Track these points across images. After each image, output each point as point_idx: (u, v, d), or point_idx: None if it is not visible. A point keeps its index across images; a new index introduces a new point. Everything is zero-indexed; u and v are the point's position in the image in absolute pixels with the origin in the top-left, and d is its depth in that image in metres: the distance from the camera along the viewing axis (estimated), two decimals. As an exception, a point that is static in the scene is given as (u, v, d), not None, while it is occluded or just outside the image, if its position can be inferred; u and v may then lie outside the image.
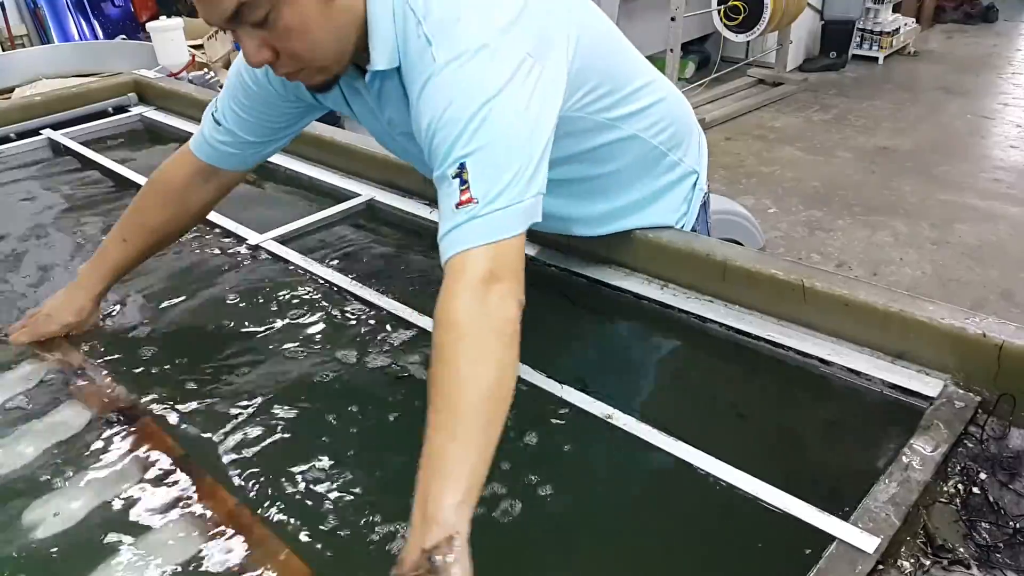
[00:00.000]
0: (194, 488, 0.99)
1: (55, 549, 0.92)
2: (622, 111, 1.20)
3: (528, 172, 0.93)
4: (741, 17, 5.38)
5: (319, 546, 0.92)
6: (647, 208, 1.35)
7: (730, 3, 5.34)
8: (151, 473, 1.02)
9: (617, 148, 1.24)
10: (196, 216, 1.36)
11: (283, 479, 1.01)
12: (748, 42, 5.96)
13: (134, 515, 0.96)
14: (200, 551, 0.91)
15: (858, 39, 6.65)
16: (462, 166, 0.91)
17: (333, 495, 0.99)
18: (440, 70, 0.93)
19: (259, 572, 0.88)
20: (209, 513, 0.96)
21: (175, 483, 1.00)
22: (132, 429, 1.10)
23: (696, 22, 5.60)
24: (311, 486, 1.00)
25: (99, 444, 1.08)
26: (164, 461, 1.04)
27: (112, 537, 0.93)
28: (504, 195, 0.91)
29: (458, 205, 0.92)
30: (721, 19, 5.52)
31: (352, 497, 0.98)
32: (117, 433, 1.09)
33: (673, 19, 5.01)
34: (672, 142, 1.32)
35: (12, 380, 1.21)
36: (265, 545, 0.91)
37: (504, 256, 0.92)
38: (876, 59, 6.64)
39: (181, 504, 0.97)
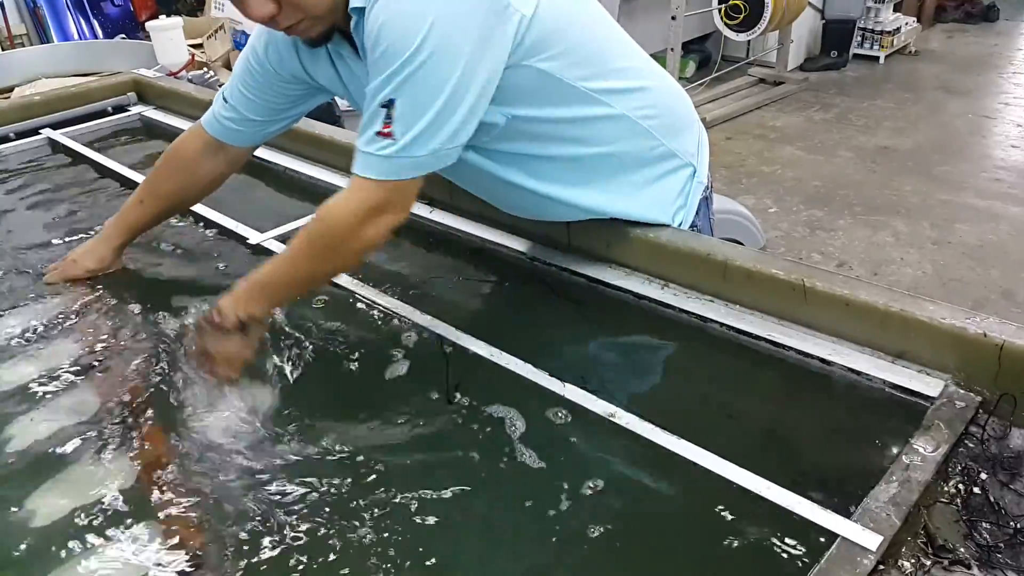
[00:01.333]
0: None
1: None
2: (604, 84, 1.22)
3: (451, 124, 1.04)
4: (742, 16, 5.37)
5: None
6: (640, 194, 1.34)
7: (731, 2, 5.34)
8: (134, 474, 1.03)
9: (606, 127, 1.25)
10: (205, 187, 1.49)
11: (283, 475, 1.01)
12: (749, 41, 5.96)
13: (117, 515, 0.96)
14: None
15: (859, 38, 6.64)
16: (392, 100, 1.03)
17: (323, 489, 0.99)
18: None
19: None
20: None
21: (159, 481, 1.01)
22: (134, 427, 1.11)
23: (697, 21, 5.59)
24: (306, 478, 1.00)
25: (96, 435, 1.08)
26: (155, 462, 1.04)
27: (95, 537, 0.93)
28: (418, 142, 1.05)
29: (378, 134, 1.05)
30: (722, 18, 5.51)
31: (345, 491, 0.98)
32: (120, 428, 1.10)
33: (674, 18, 5.01)
34: (665, 130, 1.32)
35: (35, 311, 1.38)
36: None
37: (401, 192, 1.09)
38: (877, 58, 6.63)
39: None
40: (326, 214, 1.11)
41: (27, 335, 1.32)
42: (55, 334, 1.33)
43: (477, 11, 1.03)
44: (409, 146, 1.04)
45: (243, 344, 1.15)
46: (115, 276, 1.49)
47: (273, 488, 1.00)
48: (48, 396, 1.18)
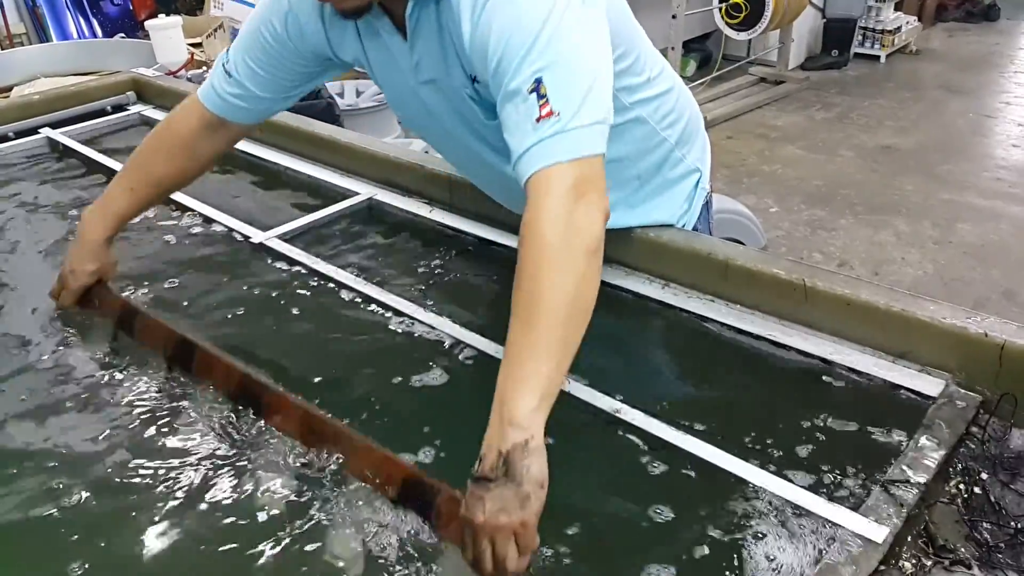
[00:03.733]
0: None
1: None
2: (638, 96, 1.20)
3: (602, 91, 0.94)
4: (743, 15, 5.37)
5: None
6: (649, 203, 1.34)
7: (732, 1, 5.33)
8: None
9: (625, 131, 1.22)
10: (203, 167, 1.38)
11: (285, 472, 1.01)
12: (750, 40, 5.95)
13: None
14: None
15: (860, 37, 6.63)
16: (539, 80, 0.91)
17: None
18: None
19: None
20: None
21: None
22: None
23: (697, 20, 5.59)
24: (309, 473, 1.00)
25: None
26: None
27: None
28: (584, 111, 0.91)
29: (539, 119, 0.91)
30: (723, 17, 5.51)
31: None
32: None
33: (674, 17, 5.00)
34: (679, 137, 1.32)
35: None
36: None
37: (589, 170, 0.92)
38: (878, 57, 6.63)
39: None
40: (529, 231, 0.89)
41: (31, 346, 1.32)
42: (59, 348, 1.32)
43: None
44: (578, 114, 0.91)
45: (517, 493, 0.79)
46: (116, 278, 1.49)
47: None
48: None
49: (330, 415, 0.99)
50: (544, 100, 0.91)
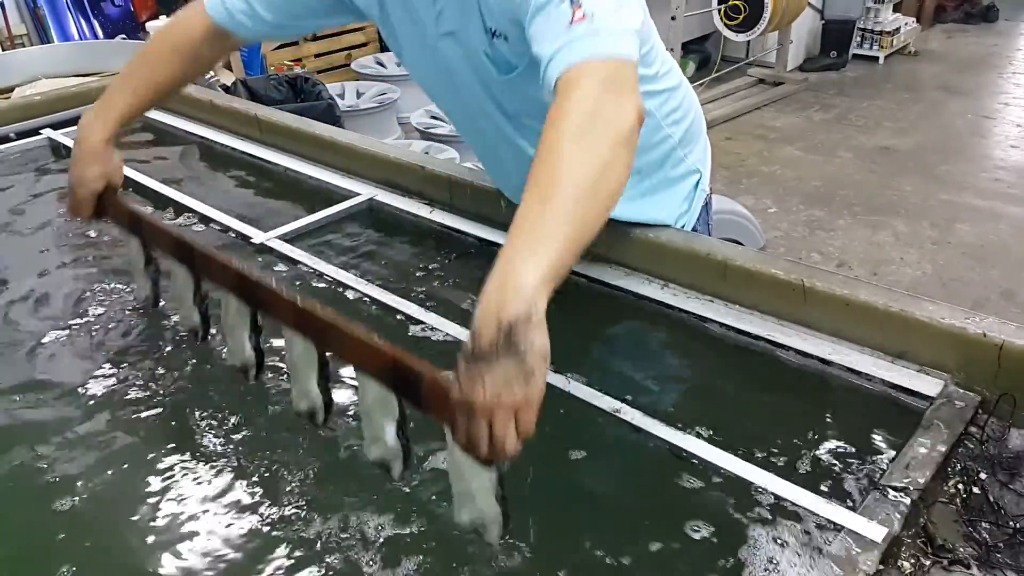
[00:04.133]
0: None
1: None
2: (647, 87, 1.19)
3: (635, 4, 0.92)
4: (741, 17, 5.38)
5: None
6: (647, 198, 1.35)
7: (730, 2, 5.34)
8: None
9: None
10: (202, 72, 1.43)
11: (287, 468, 1.01)
12: (748, 42, 5.96)
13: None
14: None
15: (858, 39, 6.64)
16: None
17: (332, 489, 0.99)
18: None
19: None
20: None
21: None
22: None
23: (696, 21, 5.60)
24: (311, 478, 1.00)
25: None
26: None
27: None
28: (618, 16, 0.89)
29: (571, 23, 0.88)
30: (721, 18, 5.52)
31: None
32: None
33: (673, 18, 5.01)
34: (682, 136, 1.33)
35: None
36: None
37: (624, 71, 0.87)
38: (877, 59, 6.64)
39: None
40: (553, 114, 0.83)
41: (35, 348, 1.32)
42: (63, 347, 1.32)
43: None
44: (612, 16, 0.88)
45: (520, 368, 0.71)
46: (115, 277, 1.49)
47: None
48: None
49: (319, 306, 0.97)
50: (577, 5, 0.88)
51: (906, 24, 6.82)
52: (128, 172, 1.92)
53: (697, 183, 1.41)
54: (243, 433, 1.10)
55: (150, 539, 0.94)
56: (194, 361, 1.25)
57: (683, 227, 1.40)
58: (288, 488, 1.00)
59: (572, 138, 0.80)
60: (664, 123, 1.27)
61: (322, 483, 1.01)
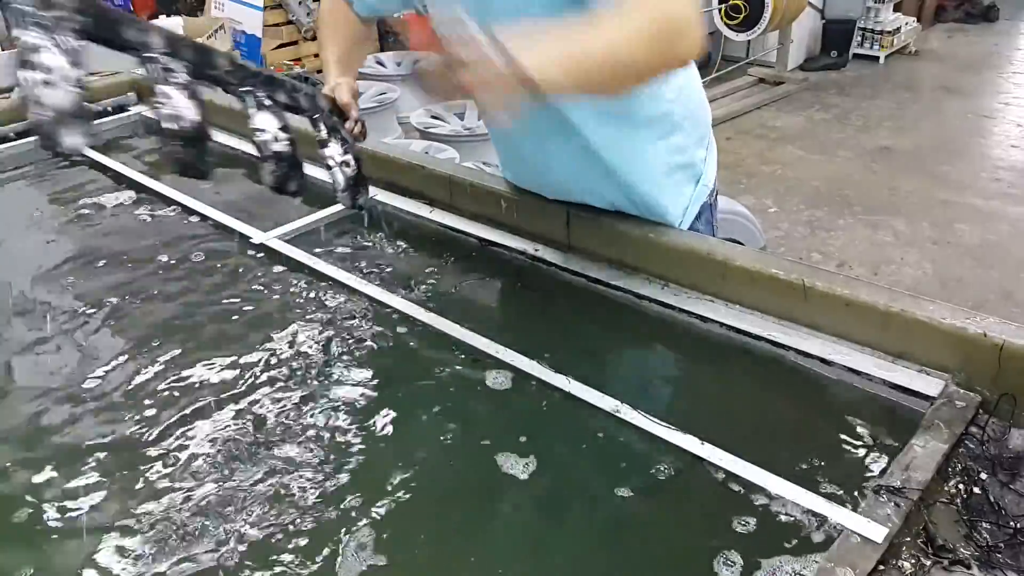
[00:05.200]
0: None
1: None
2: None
3: None
4: (742, 16, 5.38)
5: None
6: (647, 185, 1.35)
7: (731, 2, 5.34)
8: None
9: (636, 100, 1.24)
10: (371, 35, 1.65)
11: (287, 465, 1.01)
12: (749, 41, 5.96)
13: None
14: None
15: (859, 38, 6.64)
16: None
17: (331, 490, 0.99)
18: None
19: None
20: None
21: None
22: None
23: (697, 21, 5.59)
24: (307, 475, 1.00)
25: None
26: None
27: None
28: None
29: None
30: (722, 18, 5.52)
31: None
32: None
33: (674, 18, 5.00)
34: (684, 121, 1.34)
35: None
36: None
37: (698, 24, 0.97)
38: (877, 58, 6.64)
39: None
40: (662, 4, 0.95)
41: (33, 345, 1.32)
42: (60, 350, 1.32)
43: None
44: None
45: (511, 98, 0.91)
46: (115, 276, 1.50)
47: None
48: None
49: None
50: None
51: (906, 24, 6.82)
52: (128, 171, 1.93)
53: (698, 179, 1.41)
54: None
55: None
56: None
57: (681, 224, 1.40)
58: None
59: (620, 14, 0.94)
60: (676, 115, 1.30)
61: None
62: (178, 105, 0.94)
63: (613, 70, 0.95)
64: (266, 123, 1.16)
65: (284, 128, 1.17)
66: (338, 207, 1.70)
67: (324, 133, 1.33)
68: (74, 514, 0.97)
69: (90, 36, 0.87)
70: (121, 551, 0.92)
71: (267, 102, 1.16)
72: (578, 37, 0.94)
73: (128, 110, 2.39)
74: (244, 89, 1.14)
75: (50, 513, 0.98)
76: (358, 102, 1.38)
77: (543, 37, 0.93)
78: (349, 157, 1.35)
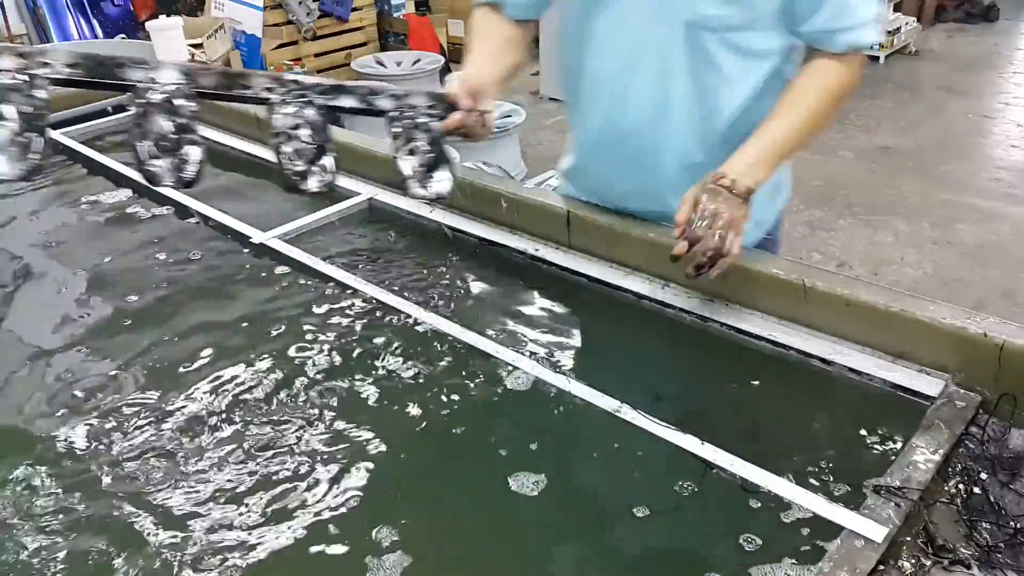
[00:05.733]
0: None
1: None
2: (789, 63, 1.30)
3: None
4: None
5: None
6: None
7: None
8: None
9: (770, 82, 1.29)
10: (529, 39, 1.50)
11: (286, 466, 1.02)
12: (749, 41, 5.94)
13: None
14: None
15: (859, 38, 6.63)
16: None
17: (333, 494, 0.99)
18: None
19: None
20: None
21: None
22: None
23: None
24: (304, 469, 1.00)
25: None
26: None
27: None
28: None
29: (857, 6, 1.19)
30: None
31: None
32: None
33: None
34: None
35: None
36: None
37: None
38: (877, 58, 6.63)
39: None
40: (849, 73, 1.23)
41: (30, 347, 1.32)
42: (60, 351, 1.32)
43: None
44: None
45: (746, 213, 1.16)
46: (115, 275, 1.49)
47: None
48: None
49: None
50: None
51: (906, 24, 6.81)
52: (126, 171, 1.93)
53: (780, 190, 1.46)
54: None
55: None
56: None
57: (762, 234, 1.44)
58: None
59: (829, 107, 1.23)
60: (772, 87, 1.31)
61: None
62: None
63: (805, 142, 1.23)
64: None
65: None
66: (338, 207, 1.70)
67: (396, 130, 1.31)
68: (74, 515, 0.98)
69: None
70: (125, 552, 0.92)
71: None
72: (776, 132, 1.20)
73: (128, 110, 2.39)
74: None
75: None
76: (479, 100, 1.25)
77: (753, 151, 1.18)
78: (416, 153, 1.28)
